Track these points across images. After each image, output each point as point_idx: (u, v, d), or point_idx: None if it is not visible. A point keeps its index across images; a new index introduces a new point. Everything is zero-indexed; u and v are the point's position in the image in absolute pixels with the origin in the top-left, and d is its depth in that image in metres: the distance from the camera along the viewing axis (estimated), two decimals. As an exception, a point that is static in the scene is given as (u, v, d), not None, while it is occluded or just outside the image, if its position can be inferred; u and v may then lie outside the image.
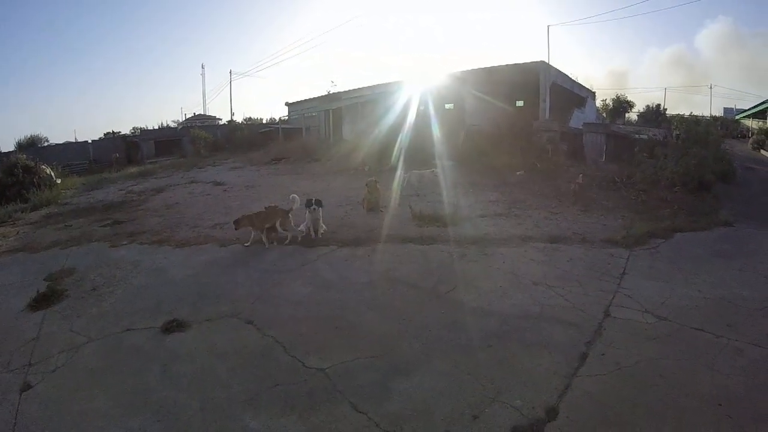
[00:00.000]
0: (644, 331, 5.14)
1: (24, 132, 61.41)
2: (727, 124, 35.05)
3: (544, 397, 4.10)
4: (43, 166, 18.93)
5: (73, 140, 42.88)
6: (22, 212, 13.80)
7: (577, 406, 4.00)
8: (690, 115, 25.61)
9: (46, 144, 43.35)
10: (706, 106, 54.29)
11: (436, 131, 20.87)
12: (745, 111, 38.45)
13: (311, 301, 6.24)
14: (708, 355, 4.62)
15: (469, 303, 5.94)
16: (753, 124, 35.33)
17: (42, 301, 6.71)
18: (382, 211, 10.55)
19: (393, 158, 17.88)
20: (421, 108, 24.26)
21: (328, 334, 5.35)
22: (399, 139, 19.84)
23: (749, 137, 30.27)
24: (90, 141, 39.26)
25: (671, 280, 6.47)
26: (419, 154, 18.49)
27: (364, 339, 5.22)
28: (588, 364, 4.57)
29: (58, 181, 19.33)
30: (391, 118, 22.69)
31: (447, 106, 26.64)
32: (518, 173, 14.98)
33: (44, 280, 7.58)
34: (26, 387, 4.77)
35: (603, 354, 4.72)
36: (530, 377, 4.40)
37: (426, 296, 6.24)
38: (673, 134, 14.48)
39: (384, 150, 19.01)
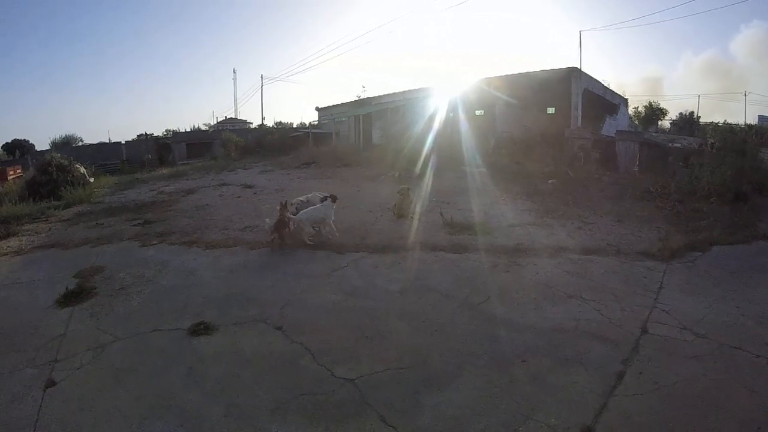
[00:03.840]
0: (682, 349, 4.92)
1: (59, 132, 63.05)
2: (762, 133, 34.19)
3: (579, 417, 3.93)
4: (77, 165, 19.36)
5: (107, 141, 44.05)
6: (55, 209, 14.06)
7: (613, 426, 3.82)
8: (724, 123, 25.03)
9: (80, 144, 44.68)
10: (742, 113, 53.21)
11: (466, 138, 20.75)
12: (781, 119, 37.52)
13: (340, 309, 6.15)
14: (747, 376, 4.41)
15: (502, 315, 5.78)
16: (790, 132, 34.43)
17: (70, 298, 6.77)
18: (411, 218, 10.43)
19: (422, 164, 17.76)
20: (451, 114, 24.21)
21: (357, 343, 5.25)
22: (428, 145, 19.75)
23: None
24: (123, 142, 40.27)
25: (709, 295, 6.20)
26: (449, 160, 18.40)
27: (394, 349, 5.11)
28: (625, 383, 4.38)
29: (91, 180, 19.74)
30: (420, 124, 22.67)
31: (477, 112, 26.49)
32: (550, 181, 14.71)
33: (73, 277, 7.68)
34: (50, 384, 4.77)
35: (640, 372, 4.53)
36: (565, 395, 4.23)
37: (458, 307, 6.09)
38: (708, 143, 14.10)
39: (413, 156, 18.90)
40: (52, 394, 4.59)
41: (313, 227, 8.95)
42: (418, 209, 10.99)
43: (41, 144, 46.75)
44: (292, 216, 8.99)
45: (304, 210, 9.21)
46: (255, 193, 15.47)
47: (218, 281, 7.27)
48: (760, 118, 47.98)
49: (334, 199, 9.12)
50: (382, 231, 9.34)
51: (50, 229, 11.64)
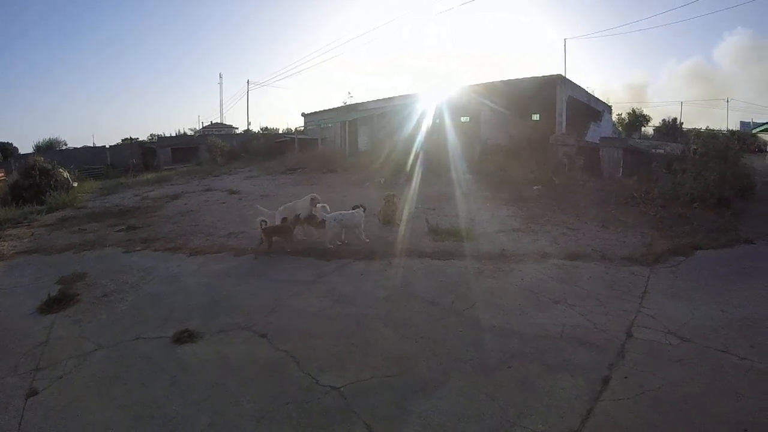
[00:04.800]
0: (668, 353, 4.95)
1: (43, 135, 62.48)
2: (744, 138, 34.73)
3: (566, 422, 3.94)
4: (61, 170, 19.13)
5: (91, 145, 43.75)
6: (38, 214, 13.93)
7: (600, 431, 3.83)
8: (706, 129, 25.45)
9: (64, 147, 44.32)
10: (725, 120, 54.05)
11: (452, 144, 20.82)
12: (763, 125, 38.03)
13: (326, 315, 6.12)
14: (733, 378, 4.45)
15: (487, 321, 5.78)
16: (771, 138, 35.02)
17: (53, 305, 6.69)
18: (397, 224, 10.42)
19: (408, 170, 17.77)
20: (437, 121, 24.31)
21: (343, 351, 5.22)
22: (414, 152, 19.78)
23: (767, 151, 30.00)
24: (108, 146, 40.08)
25: (694, 299, 6.27)
26: (435, 167, 18.41)
27: (380, 356, 5.08)
28: (611, 388, 4.39)
29: (75, 184, 19.55)
30: (406, 131, 22.70)
31: (463, 119, 26.65)
32: (535, 188, 14.79)
33: (56, 283, 7.57)
34: (32, 393, 4.70)
35: (626, 377, 4.55)
36: (552, 400, 4.24)
37: (444, 313, 6.08)
38: (691, 149, 14.27)
39: (399, 162, 18.92)
40: (34, 404, 4.52)
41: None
42: (405, 215, 11.00)
43: (25, 147, 46.30)
44: (325, 215, 9.01)
45: (337, 212, 9.22)
46: (240, 199, 15.39)
47: (203, 288, 7.20)
48: (742, 124, 48.69)
49: (364, 209, 9.24)
50: (368, 237, 9.30)
51: (33, 234, 11.51)
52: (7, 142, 47.44)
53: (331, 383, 4.61)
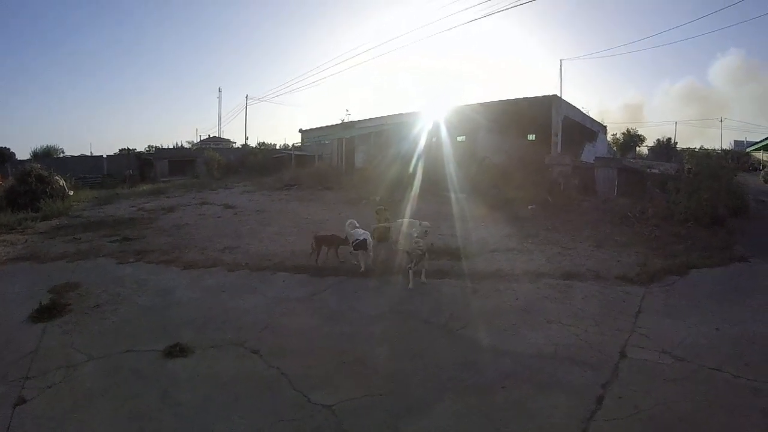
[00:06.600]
0: (662, 372, 4.95)
1: (40, 142, 62.30)
2: (738, 157, 35.02)
3: (560, 444, 3.91)
4: (57, 177, 19.04)
5: (89, 154, 43.74)
6: (32, 221, 13.90)
7: (593, 453, 3.79)
8: (700, 148, 25.68)
9: (61, 155, 44.24)
10: (719, 139, 54.58)
11: (449, 163, 20.88)
12: (756, 144, 38.40)
13: (319, 333, 6.09)
14: (727, 397, 4.45)
15: (481, 341, 5.77)
16: (764, 156, 35.40)
17: (44, 314, 6.64)
18: (394, 242, 10.32)
19: (405, 189, 17.77)
20: (434, 140, 24.41)
21: (335, 369, 5.19)
22: (411, 170, 19.85)
23: (760, 170, 30.28)
24: (105, 156, 40.11)
25: (688, 318, 6.26)
26: (431, 185, 18.44)
27: (372, 375, 5.06)
28: (605, 408, 4.38)
29: (71, 192, 19.45)
30: (403, 149, 22.79)
31: (459, 138, 26.74)
32: (530, 207, 14.84)
33: (48, 292, 7.50)
34: (21, 401, 4.67)
35: (620, 397, 4.53)
36: (545, 421, 4.22)
37: (437, 332, 6.07)
38: (685, 168, 14.35)
39: (396, 180, 18.97)
40: (23, 412, 4.49)
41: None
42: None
43: (22, 153, 46.07)
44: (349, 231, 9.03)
45: (357, 230, 9.16)
46: (236, 214, 15.35)
47: (196, 302, 7.17)
48: (736, 143, 49.25)
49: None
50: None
51: (26, 241, 11.49)
52: (5, 147, 47.28)
53: (323, 401, 4.57)
